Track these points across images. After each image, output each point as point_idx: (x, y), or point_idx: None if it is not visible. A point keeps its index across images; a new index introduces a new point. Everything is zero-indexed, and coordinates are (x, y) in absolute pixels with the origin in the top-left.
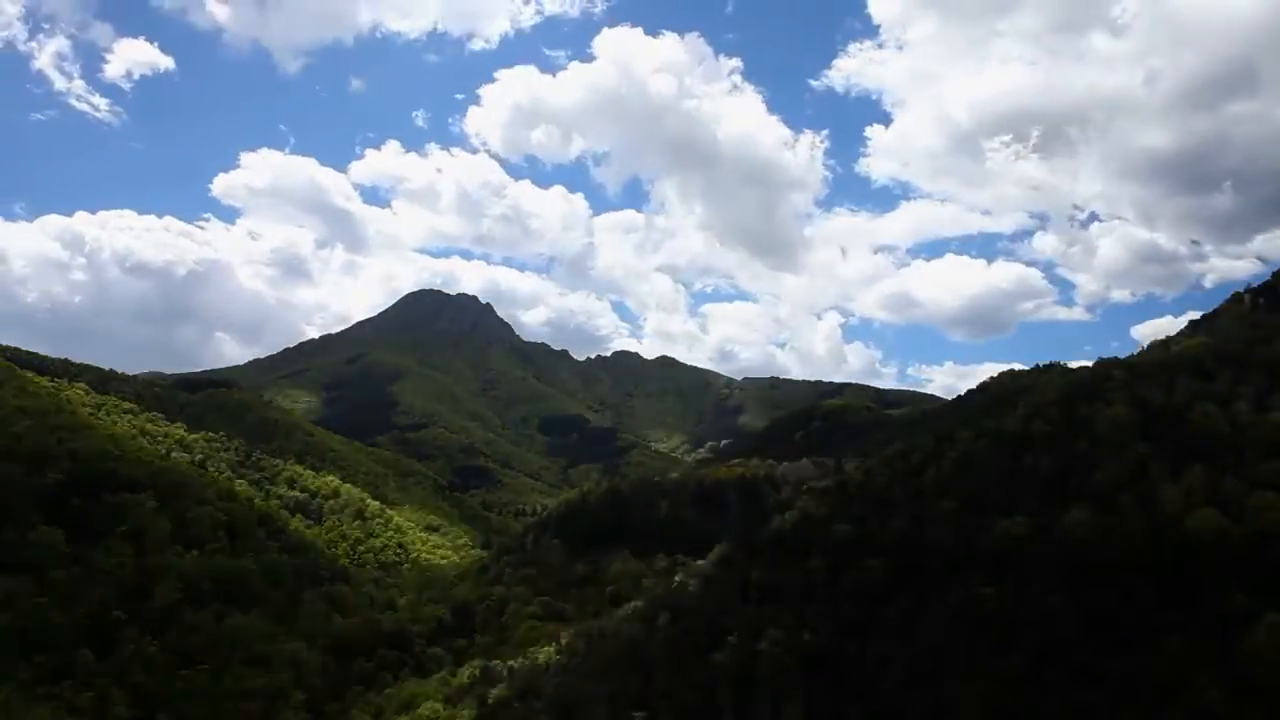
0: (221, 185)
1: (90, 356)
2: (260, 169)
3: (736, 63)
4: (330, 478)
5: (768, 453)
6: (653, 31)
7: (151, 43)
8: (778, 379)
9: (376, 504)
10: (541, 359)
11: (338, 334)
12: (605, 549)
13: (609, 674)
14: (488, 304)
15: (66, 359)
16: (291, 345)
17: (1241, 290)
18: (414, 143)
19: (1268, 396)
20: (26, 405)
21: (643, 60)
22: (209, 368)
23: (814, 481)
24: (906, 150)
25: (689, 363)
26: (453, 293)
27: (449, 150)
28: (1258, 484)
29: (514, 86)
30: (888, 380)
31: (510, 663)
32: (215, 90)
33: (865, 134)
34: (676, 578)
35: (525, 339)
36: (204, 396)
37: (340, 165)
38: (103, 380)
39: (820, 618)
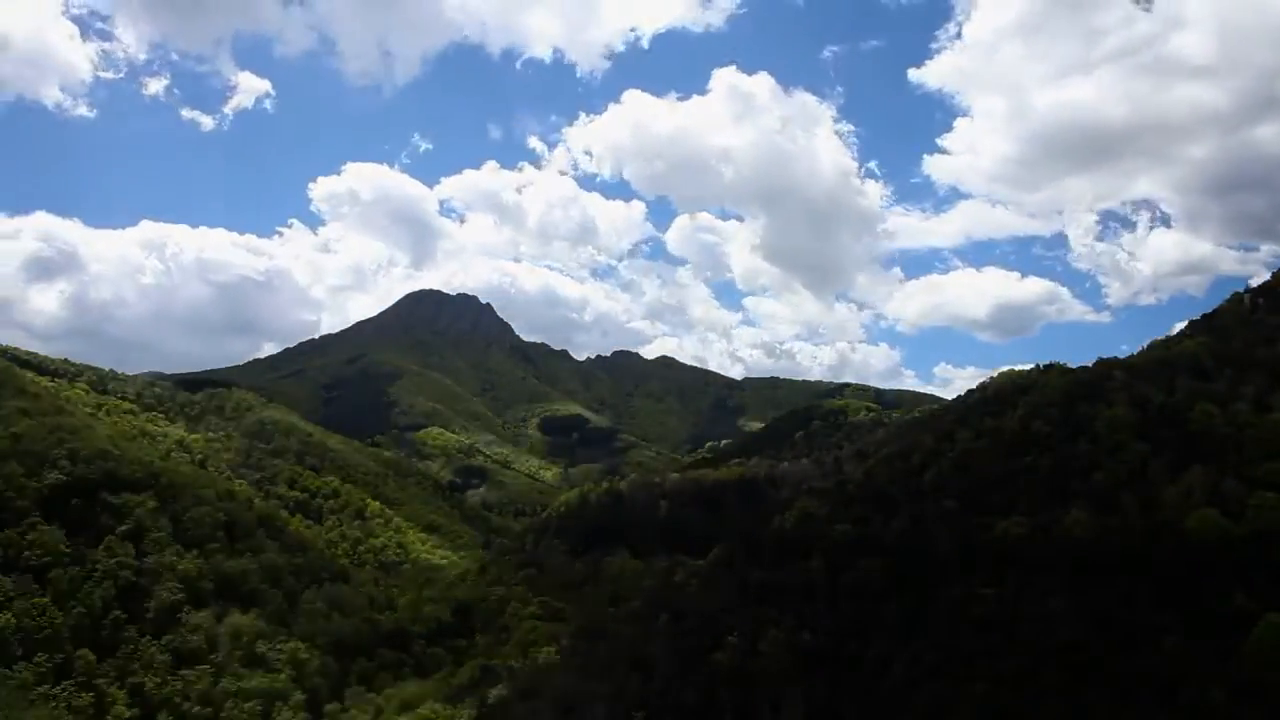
0: (318, 191)
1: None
2: (354, 180)
3: (830, 110)
4: (330, 478)
5: (768, 453)
6: (750, 69)
7: (259, 75)
8: (778, 379)
9: (376, 504)
10: (541, 359)
11: (337, 334)
12: (605, 549)
13: (609, 674)
14: (488, 304)
15: (66, 359)
16: (291, 345)
17: (1241, 290)
18: (510, 159)
19: (1268, 396)
20: (26, 405)
21: (737, 101)
22: (210, 368)
23: (814, 481)
24: (970, 154)
25: (691, 363)
26: (452, 293)
27: (538, 167)
28: (1258, 484)
29: (617, 113)
30: (908, 382)
31: (510, 663)
32: (329, 110)
33: (938, 133)
34: (676, 578)
35: (525, 338)
36: (204, 396)
37: (434, 179)
38: (103, 380)
39: (820, 618)
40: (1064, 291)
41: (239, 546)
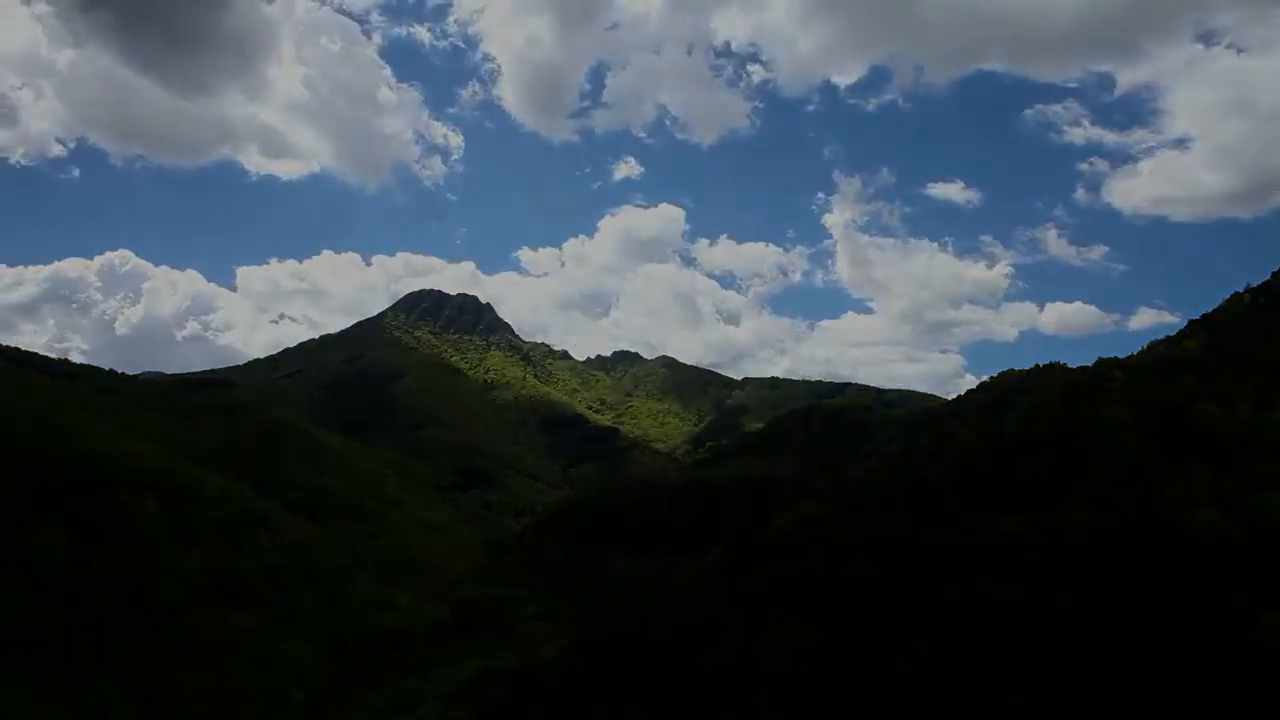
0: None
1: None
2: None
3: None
4: (330, 478)
5: (768, 453)
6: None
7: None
8: (778, 379)
9: (376, 504)
10: (541, 359)
11: (337, 334)
12: (605, 549)
13: (609, 674)
14: (488, 304)
15: (66, 359)
16: (292, 345)
17: (1242, 290)
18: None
19: (1268, 396)
20: (26, 405)
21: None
22: (210, 367)
23: (814, 481)
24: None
25: (692, 363)
26: (453, 293)
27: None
28: (1258, 484)
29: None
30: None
31: (510, 663)
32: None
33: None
34: (676, 577)
35: (524, 338)
36: (204, 396)
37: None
38: (102, 380)
39: (820, 618)
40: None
41: (239, 546)
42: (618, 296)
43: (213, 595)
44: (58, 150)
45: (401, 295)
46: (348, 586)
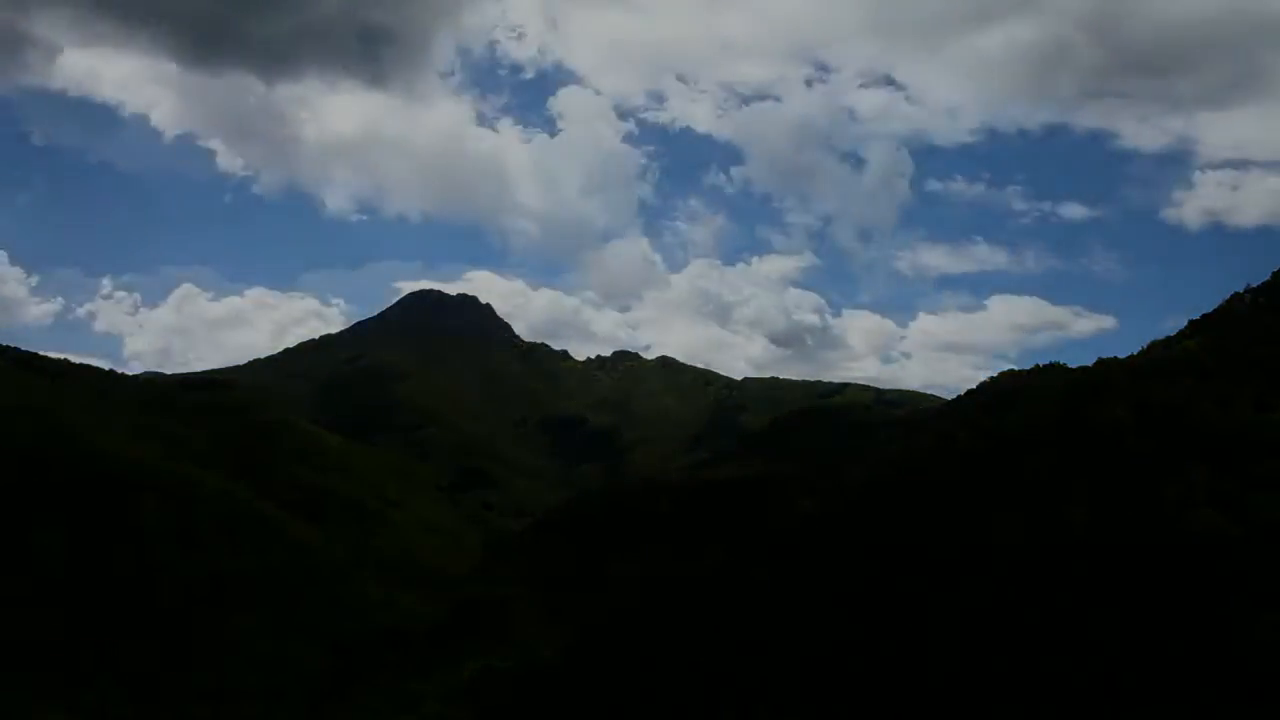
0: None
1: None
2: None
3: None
4: (330, 478)
5: (768, 453)
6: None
7: None
8: (778, 379)
9: (376, 504)
10: (541, 359)
11: (337, 334)
12: (605, 549)
13: (609, 674)
14: (488, 304)
15: (66, 359)
16: (292, 345)
17: (1242, 290)
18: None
19: (1268, 396)
20: (26, 405)
21: None
22: (210, 367)
23: (814, 481)
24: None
25: (691, 363)
26: (453, 293)
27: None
28: (1258, 484)
29: None
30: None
31: (510, 663)
32: None
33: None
34: (676, 578)
35: (526, 339)
36: (204, 396)
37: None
38: (102, 380)
39: (820, 618)
40: None
41: (239, 546)
42: (650, 298)
43: (213, 596)
44: (162, 160)
45: (403, 295)
46: (348, 586)
